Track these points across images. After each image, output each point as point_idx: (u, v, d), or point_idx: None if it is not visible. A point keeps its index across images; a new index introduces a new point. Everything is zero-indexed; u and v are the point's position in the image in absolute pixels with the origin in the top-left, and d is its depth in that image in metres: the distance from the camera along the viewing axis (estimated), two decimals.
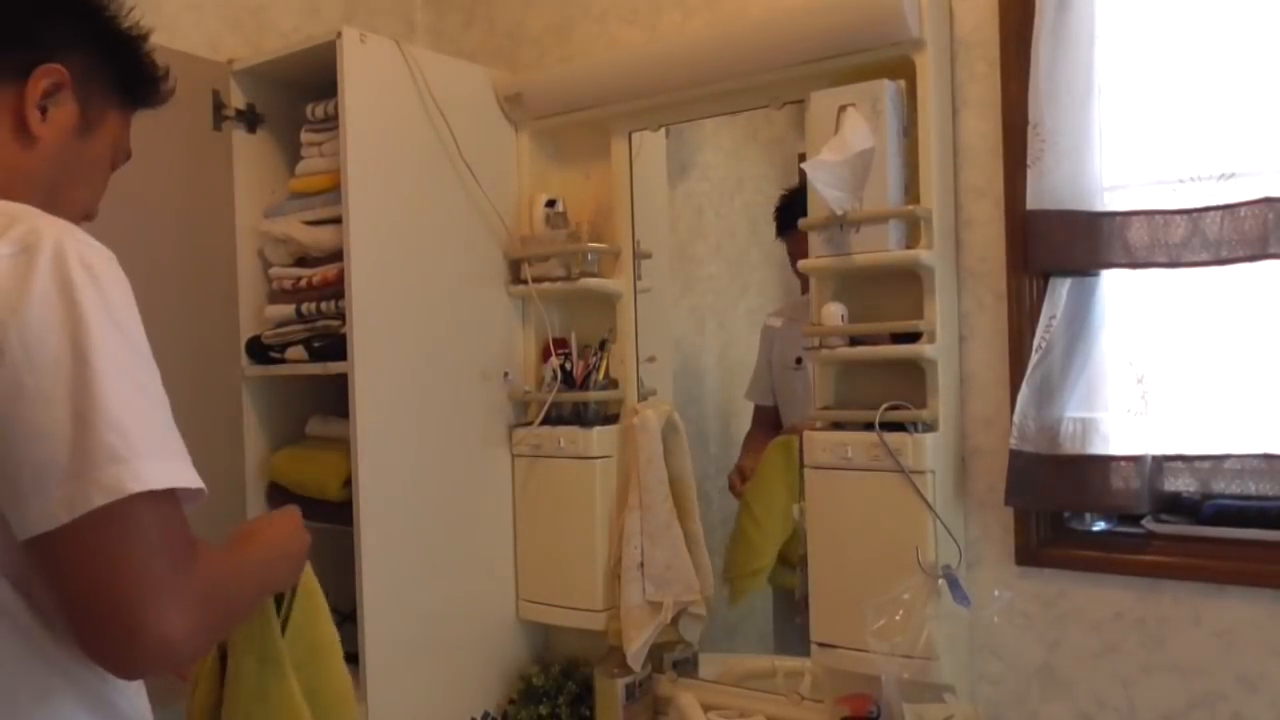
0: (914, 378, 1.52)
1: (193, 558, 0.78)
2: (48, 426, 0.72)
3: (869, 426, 1.50)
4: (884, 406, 1.49)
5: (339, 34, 1.61)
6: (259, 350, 1.81)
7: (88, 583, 0.74)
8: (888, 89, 1.49)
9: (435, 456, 1.75)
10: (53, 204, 0.91)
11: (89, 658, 0.76)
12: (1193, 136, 1.36)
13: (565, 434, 1.81)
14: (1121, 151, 1.41)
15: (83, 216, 0.98)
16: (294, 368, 1.76)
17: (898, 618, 1.44)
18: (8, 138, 0.91)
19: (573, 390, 1.82)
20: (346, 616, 1.79)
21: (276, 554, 1.01)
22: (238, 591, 0.91)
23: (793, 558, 1.75)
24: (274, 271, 1.81)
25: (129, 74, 1.00)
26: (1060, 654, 1.50)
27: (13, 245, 0.75)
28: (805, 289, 1.68)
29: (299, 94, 1.77)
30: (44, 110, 0.91)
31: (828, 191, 1.48)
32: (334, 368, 1.66)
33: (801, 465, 1.60)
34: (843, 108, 1.51)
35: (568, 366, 1.83)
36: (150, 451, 0.75)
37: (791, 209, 1.79)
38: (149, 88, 1.03)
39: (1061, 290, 1.43)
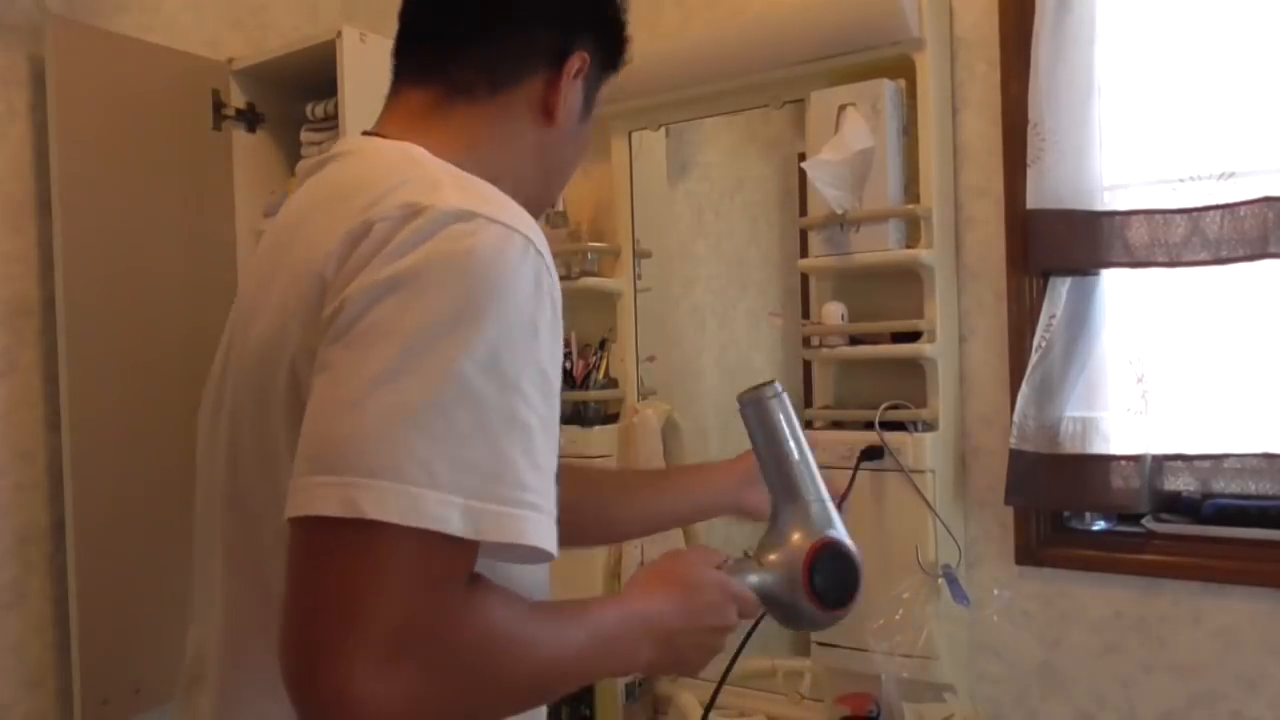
0: (914, 377, 1.52)
1: (439, 612, 0.61)
2: (347, 409, 0.61)
3: (869, 426, 1.50)
4: (884, 406, 1.49)
5: (339, 33, 1.61)
6: None
7: (297, 585, 0.61)
8: (887, 89, 1.49)
9: None
10: (548, 183, 0.93)
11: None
12: (1193, 136, 1.36)
13: (565, 433, 1.81)
14: (1121, 151, 1.41)
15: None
16: None
17: (897, 617, 1.44)
18: (528, 123, 0.88)
19: (572, 390, 1.82)
20: None
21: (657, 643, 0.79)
22: (511, 676, 0.67)
23: None
24: None
25: (617, 52, 0.97)
26: (1060, 653, 1.50)
27: (402, 210, 0.67)
28: None
29: (299, 93, 1.77)
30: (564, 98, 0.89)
31: (828, 191, 1.48)
32: None
33: None
34: (842, 107, 1.52)
35: (568, 366, 1.83)
36: (445, 484, 0.61)
37: None
38: (623, 59, 0.98)
39: (1061, 290, 1.43)
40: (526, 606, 0.69)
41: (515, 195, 0.76)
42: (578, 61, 0.89)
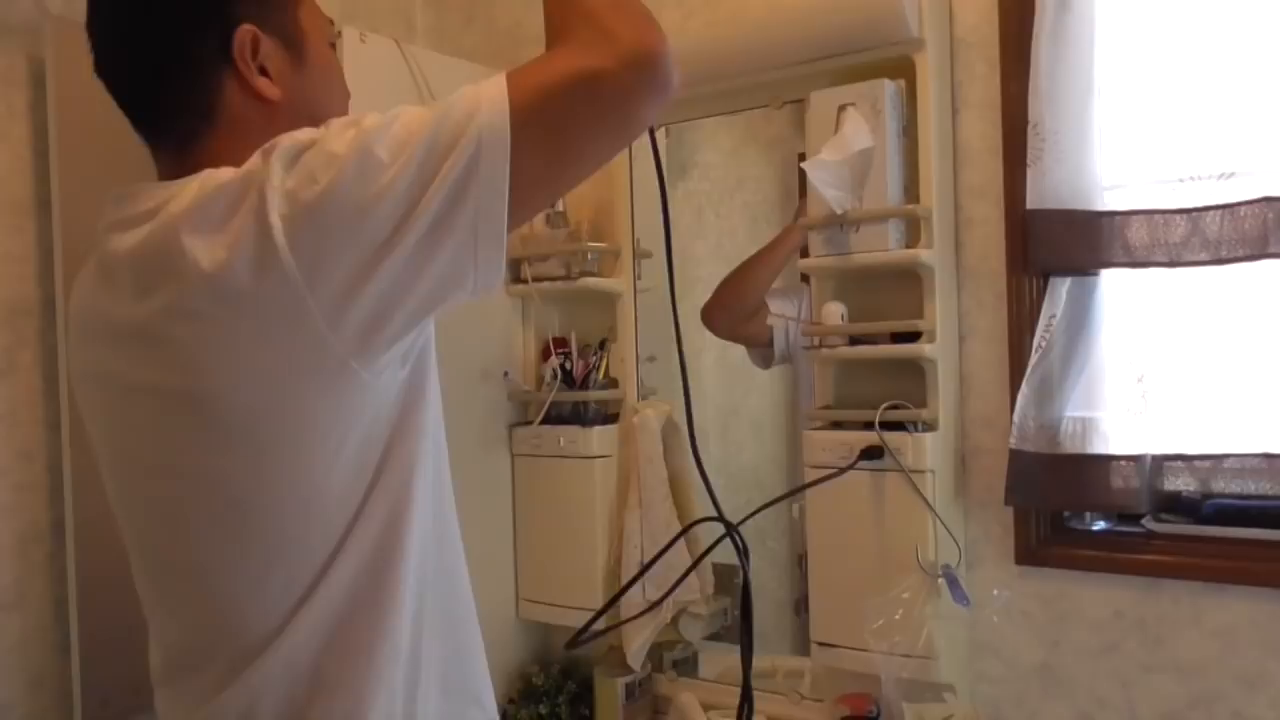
0: (914, 377, 1.52)
1: None
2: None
3: (869, 426, 1.50)
4: (884, 406, 1.49)
5: (339, 34, 1.61)
6: None
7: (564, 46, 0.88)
8: (887, 89, 1.49)
9: None
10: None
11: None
12: (1193, 136, 1.36)
13: (565, 433, 1.81)
14: (1121, 151, 1.41)
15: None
16: None
17: (897, 617, 1.44)
18: (259, 116, 0.86)
19: (572, 390, 1.82)
20: None
21: None
22: None
23: None
24: None
25: None
26: (1060, 653, 1.50)
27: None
28: None
29: None
30: (263, 70, 0.86)
31: (827, 191, 1.48)
32: None
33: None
34: (842, 107, 1.52)
35: (568, 366, 1.83)
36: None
37: None
38: None
39: (1061, 290, 1.43)
40: None
41: None
42: (245, 38, 0.85)
